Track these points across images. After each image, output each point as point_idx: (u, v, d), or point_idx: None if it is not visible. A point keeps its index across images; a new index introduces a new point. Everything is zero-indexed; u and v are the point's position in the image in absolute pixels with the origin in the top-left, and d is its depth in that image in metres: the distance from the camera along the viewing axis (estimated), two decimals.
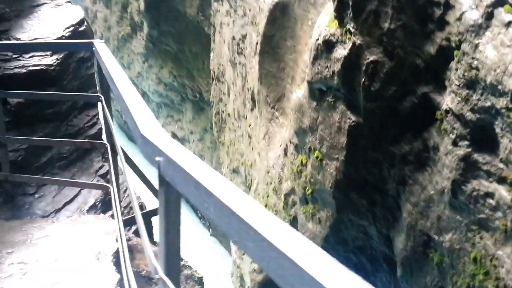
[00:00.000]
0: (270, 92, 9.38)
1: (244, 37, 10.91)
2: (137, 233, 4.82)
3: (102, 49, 4.03)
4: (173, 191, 1.60)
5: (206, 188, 1.21)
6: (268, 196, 9.51)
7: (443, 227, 6.36)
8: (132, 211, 4.33)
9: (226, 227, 1.12)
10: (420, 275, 7.17)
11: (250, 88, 10.39)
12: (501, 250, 5.56)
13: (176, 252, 1.70)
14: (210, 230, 15.84)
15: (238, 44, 11.27)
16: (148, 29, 18.13)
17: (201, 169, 1.34)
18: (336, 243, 8.12)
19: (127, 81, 2.72)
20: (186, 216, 15.13)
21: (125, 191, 5.52)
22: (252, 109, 10.50)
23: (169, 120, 19.98)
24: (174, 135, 19.46)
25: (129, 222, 4.68)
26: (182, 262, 4.46)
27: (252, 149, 10.66)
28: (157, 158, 1.60)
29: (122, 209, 4.05)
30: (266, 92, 9.42)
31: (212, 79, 14.31)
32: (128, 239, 4.25)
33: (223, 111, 13.61)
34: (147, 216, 4.84)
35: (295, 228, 8.76)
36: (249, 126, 10.80)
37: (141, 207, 5.80)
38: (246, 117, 11.11)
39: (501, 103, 4.54)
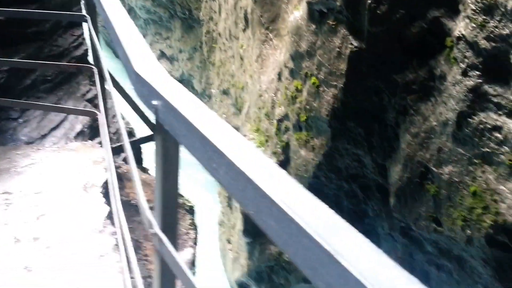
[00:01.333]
0: (265, 11, 8.87)
1: None
2: (126, 160, 4.62)
3: None
4: (172, 141, 1.43)
5: (216, 147, 1.00)
6: (260, 121, 9.21)
7: (443, 160, 6.14)
8: (122, 138, 4.07)
9: (238, 196, 0.94)
10: (414, 206, 7.04)
11: (243, 7, 9.84)
12: (504, 185, 5.37)
13: (174, 206, 1.55)
14: None
15: None
16: None
17: (209, 121, 1.12)
18: (328, 171, 7.94)
19: (118, 4, 2.38)
20: None
21: (113, 116, 5.23)
22: (244, 30, 10.00)
23: (157, 38, 19.30)
24: (162, 54, 18.88)
25: (119, 150, 4.48)
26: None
27: (244, 71, 10.24)
28: (154, 102, 1.40)
29: (111, 135, 3.81)
30: (260, 12, 8.91)
31: None
32: (118, 167, 4.11)
33: (213, 30, 13.05)
34: (137, 143, 4.62)
35: (286, 154, 8.56)
36: (241, 47, 10.33)
37: (130, 133, 5.58)
38: (238, 38, 10.61)
39: None
